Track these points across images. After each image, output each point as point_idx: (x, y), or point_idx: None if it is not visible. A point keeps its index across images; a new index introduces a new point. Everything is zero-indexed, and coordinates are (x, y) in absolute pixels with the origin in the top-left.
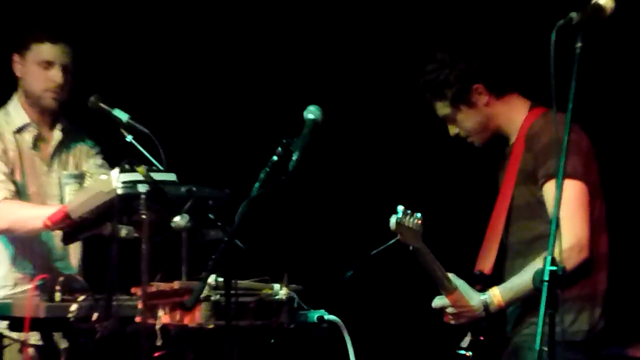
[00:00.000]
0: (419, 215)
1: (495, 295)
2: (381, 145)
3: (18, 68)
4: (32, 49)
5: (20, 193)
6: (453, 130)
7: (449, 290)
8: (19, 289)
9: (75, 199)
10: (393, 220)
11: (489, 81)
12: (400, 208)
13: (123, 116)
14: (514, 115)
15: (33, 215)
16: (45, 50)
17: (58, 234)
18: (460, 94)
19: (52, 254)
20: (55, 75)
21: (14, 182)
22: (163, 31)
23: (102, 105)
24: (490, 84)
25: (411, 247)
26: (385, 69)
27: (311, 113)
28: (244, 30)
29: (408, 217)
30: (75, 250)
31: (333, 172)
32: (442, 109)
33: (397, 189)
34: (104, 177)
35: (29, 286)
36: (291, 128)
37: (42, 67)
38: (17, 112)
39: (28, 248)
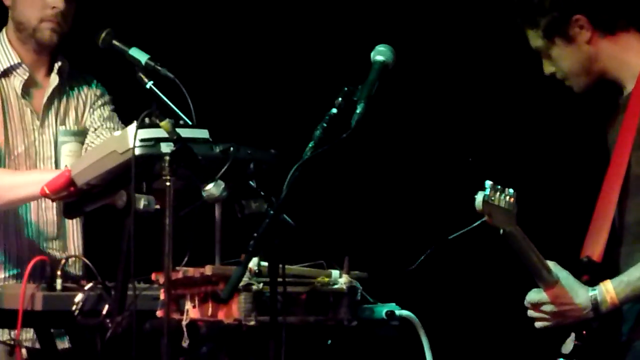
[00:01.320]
0: (511, 191)
1: (609, 291)
2: (464, 108)
3: None
4: None
5: (1, 154)
6: (548, 68)
7: (549, 283)
8: (0, 274)
9: (81, 161)
10: (479, 197)
11: (594, 13)
12: (489, 183)
13: (142, 57)
14: (629, 57)
15: (25, 181)
16: None
17: (51, 206)
18: (555, 25)
19: (42, 232)
20: None
21: None
22: None
23: (115, 42)
24: (596, 17)
25: (502, 231)
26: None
27: (380, 54)
28: None
29: (498, 194)
30: (73, 227)
31: (406, 130)
32: (535, 39)
33: (481, 157)
34: (117, 133)
35: (8, 273)
36: (355, 73)
37: None
38: (3, 50)
39: (12, 224)
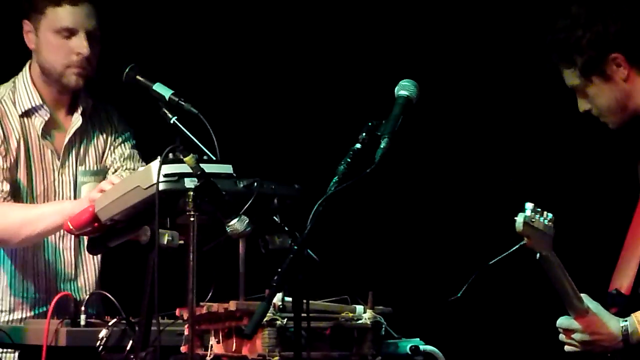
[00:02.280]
0: (550, 215)
1: None
2: (496, 133)
3: (30, 38)
4: (47, 14)
5: (21, 194)
6: (583, 105)
7: (580, 311)
8: (16, 315)
9: (105, 196)
10: (520, 219)
11: (632, 51)
12: (530, 205)
13: (166, 92)
14: None
15: (43, 213)
16: (64, 14)
17: (69, 247)
18: (592, 64)
19: (60, 273)
20: (79, 45)
21: (15, 181)
22: None
23: (139, 78)
24: (633, 55)
25: (538, 255)
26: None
27: (404, 89)
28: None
29: (538, 217)
30: (91, 266)
31: (432, 161)
32: (571, 78)
33: (512, 184)
34: (141, 168)
35: (30, 313)
36: (379, 108)
37: (61, 36)
38: (26, 90)
39: (30, 264)
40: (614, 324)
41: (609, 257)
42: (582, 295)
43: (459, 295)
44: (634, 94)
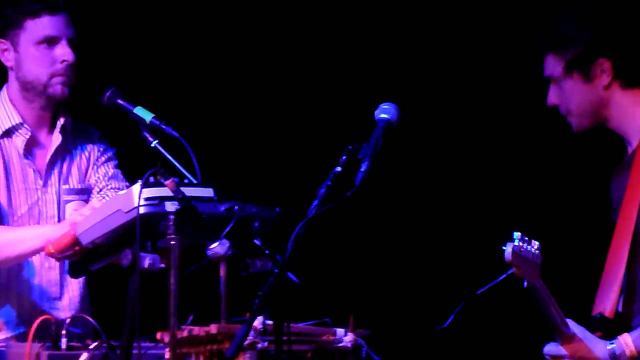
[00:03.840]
0: (537, 243)
1: (628, 344)
2: (477, 156)
3: (8, 56)
4: (26, 28)
5: (4, 215)
6: (553, 99)
7: (566, 338)
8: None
9: (86, 220)
10: (509, 249)
11: (621, 63)
12: (517, 234)
13: (146, 115)
14: (637, 111)
15: (25, 236)
16: (45, 24)
17: (55, 266)
18: (581, 60)
19: (45, 292)
20: (64, 52)
21: None
22: (198, 5)
23: (120, 102)
24: (621, 68)
25: (526, 283)
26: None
27: (384, 112)
28: (289, 24)
29: (526, 245)
30: (76, 287)
31: (419, 184)
32: (553, 66)
33: (495, 208)
34: (122, 192)
35: (11, 333)
36: (359, 131)
37: (43, 46)
38: (5, 109)
39: (12, 285)
40: (601, 348)
41: (592, 281)
42: (568, 320)
43: (444, 325)
44: (609, 105)
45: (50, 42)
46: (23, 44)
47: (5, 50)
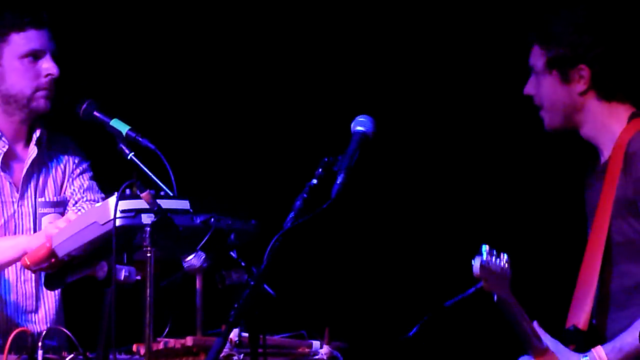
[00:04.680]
0: (506, 256)
1: (601, 357)
2: (447, 168)
3: None
4: (10, 41)
5: None
6: (530, 89)
7: (539, 351)
8: None
9: (62, 232)
10: (477, 262)
11: (600, 75)
12: (485, 247)
13: (123, 128)
14: (612, 123)
15: (3, 246)
16: (30, 38)
17: (30, 278)
18: (562, 61)
19: (21, 304)
20: (49, 66)
21: None
22: (173, 18)
23: (97, 114)
24: (599, 79)
25: (495, 297)
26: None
27: (360, 125)
28: (266, 34)
29: (494, 259)
30: (52, 299)
31: (388, 198)
32: (537, 58)
33: (466, 219)
34: (98, 204)
35: None
36: (335, 144)
37: (28, 60)
38: None
39: None
40: None
41: (564, 294)
42: (541, 333)
43: (409, 335)
44: (582, 111)
45: (35, 56)
46: (7, 57)
47: None
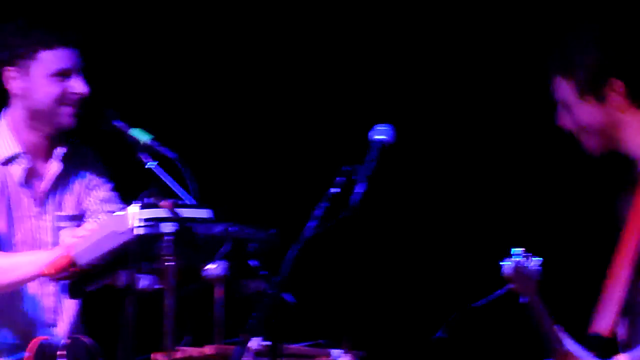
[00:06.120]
0: (537, 260)
1: None
2: (478, 170)
3: (16, 84)
4: (39, 59)
5: (2, 243)
6: (564, 120)
7: (561, 355)
8: None
9: (83, 241)
10: (508, 265)
11: (633, 83)
12: (518, 250)
13: (142, 137)
14: None
15: (21, 262)
16: (60, 56)
17: (50, 292)
18: (592, 83)
19: (40, 319)
20: (78, 85)
21: None
22: (190, 33)
23: (116, 124)
24: (633, 87)
25: (522, 299)
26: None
27: (379, 134)
28: (282, 44)
29: (525, 262)
30: (69, 312)
31: (408, 206)
32: (564, 91)
33: (489, 224)
34: (118, 213)
35: (9, 357)
36: (354, 152)
37: (57, 78)
38: (4, 138)
39: (8, 311)
40: None
41: (589, 300)
42: (564, 337)
43: (438, 335)
44: (622, 127)
45: (64, 74)
46: (35, 74)
47: (14, 78)
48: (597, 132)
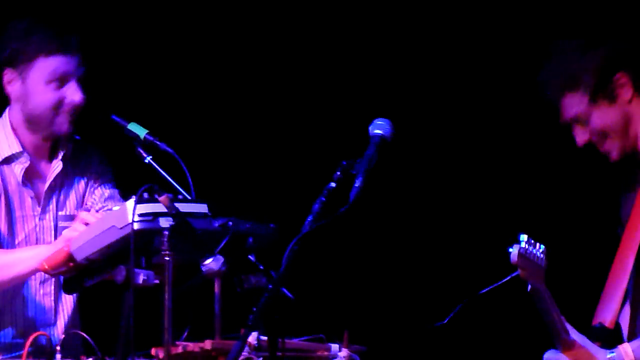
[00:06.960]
0: (542, 247)
1: (627, 353)
2: (483, 160)
3: (14, 87)
4: (36, 64)
5: (3, 242)
6: (581, 136)
7: (567, 344)
8: None
9: (80, 236)
10: (515, 251)
11: (636, 70)
12: (524, 237)
13: (140, 131)
14: None
15: (21, 258)
16: (57, 63)
17: (50, 292)
18: (600, 85)
19: (39, 318)
20: (73, 93)
21: None
22: (187, 27)
23: (114, 118)
24: (637, 74)
25: (529, 287)
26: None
27: (378, 128)
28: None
29: (532, 249)
30: (68, 311)
31: (406, 200)
32: (576, 105)
33: (488, 214)
34: (116, 208)
35: (7, 355)
36: (353, 147)
37: (53, 85)
38: (5, 137)
39: (7, 310)
40: (601, 356)
41: (594, 290)
42: (569, 327)
43: (445, 321)
44: (634, 118)
45: (60, 81)
46: (32, 79)
47: (12, 80)
48: (616, 132)
